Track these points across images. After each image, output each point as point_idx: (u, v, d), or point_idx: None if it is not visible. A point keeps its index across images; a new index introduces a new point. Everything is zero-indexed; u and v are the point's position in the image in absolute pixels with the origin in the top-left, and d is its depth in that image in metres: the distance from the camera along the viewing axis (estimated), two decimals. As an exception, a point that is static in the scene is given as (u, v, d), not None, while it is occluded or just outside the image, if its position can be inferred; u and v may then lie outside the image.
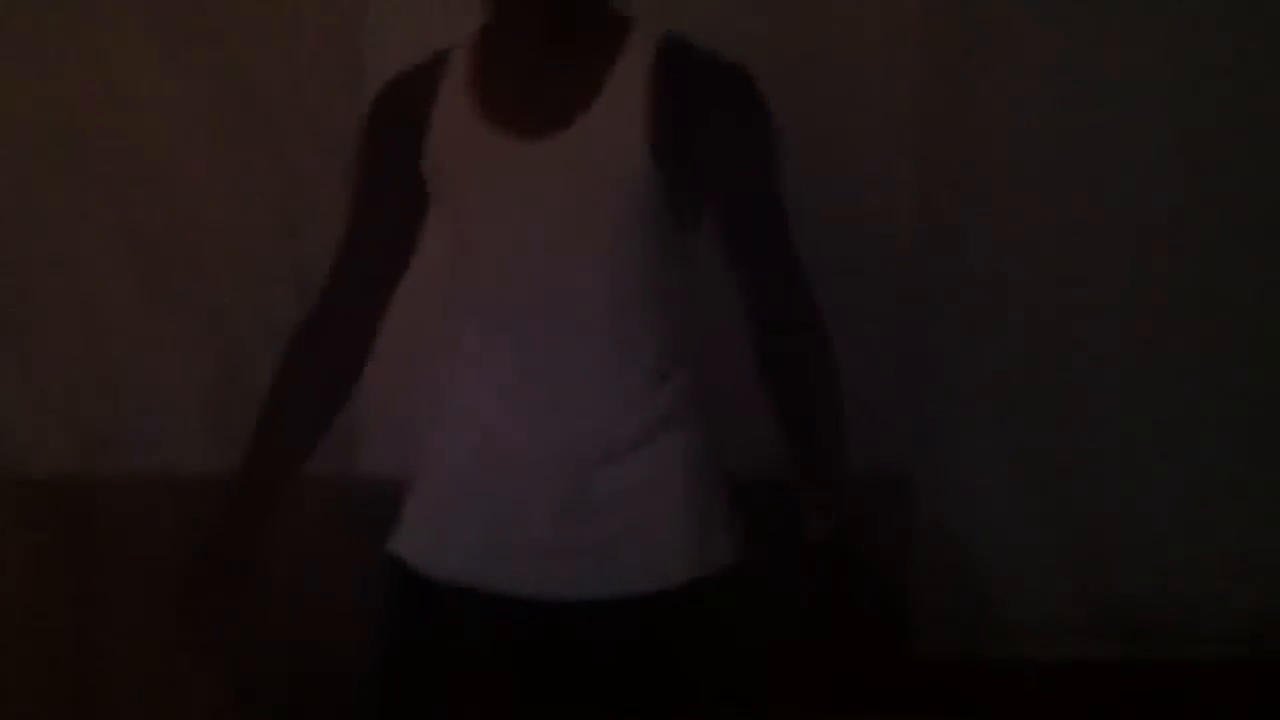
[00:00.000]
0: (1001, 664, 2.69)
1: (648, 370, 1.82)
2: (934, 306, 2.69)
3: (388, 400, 2.38)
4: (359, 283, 1.97)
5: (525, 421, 1.82)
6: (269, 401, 1.94)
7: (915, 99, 2.65)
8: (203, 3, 2.62)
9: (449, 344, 1.93)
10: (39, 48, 2.60)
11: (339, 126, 2.30)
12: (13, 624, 2.59)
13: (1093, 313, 2.70)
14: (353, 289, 1.97)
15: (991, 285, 2.69)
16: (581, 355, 1.81)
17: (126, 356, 2.64)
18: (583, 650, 1.80)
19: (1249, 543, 2.72)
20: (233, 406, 2.40)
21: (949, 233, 2.68)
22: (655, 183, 1.78)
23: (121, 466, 2.64)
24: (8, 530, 2.61)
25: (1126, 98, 2.67)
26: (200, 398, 2.63)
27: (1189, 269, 2.70)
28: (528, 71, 1.83)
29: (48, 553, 2.62)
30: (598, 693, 1.79)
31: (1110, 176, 2.68)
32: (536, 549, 1.80)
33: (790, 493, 1.86)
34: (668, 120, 1.79)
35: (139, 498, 2.61)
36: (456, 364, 1.90)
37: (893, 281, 2.65)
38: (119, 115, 2.61)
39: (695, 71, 1.83)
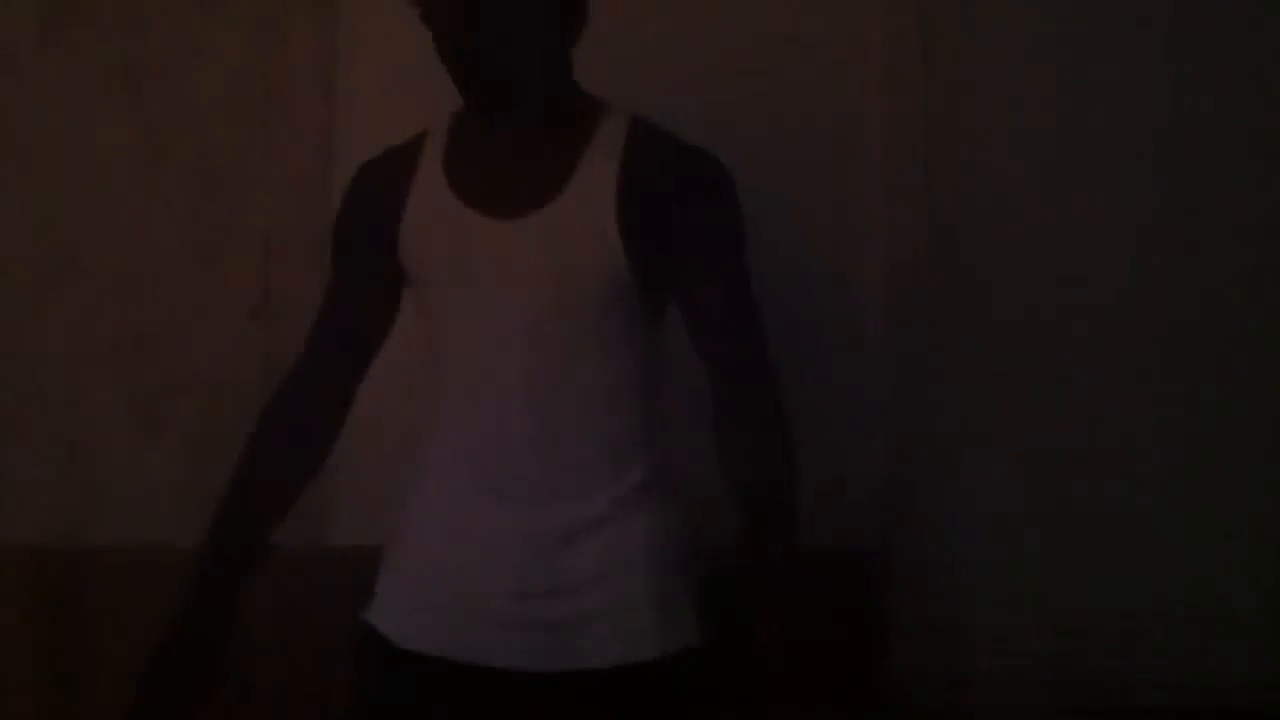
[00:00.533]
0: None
1: (616, 452, 1.86)
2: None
3: (361, 473, 2.41)
4: (331, 360, 1.99)
5: (493, 499, 1.85)
6: (236, 474, 1.95)
7: (914, 102, 2.67)
8: (183, 119, 2.69)
9: (422, 420, 1.96)
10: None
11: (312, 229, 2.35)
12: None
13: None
14: (325, 366, 1.99)
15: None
16: (549, 436, 1.84)
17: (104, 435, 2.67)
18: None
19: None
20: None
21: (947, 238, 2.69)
22: (625, 264, 1.82)
23: (98, 539, 2.65)
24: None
25: (1124, 94, 2.69)
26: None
27: (1186, 269, 2.70)
28: (501, 153, 1.87)
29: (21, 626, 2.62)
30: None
31: (1108, 176, 2.69)
32: (502, 622, 1.83)
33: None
34: (637, 203, 1.83)
35: (115, 571, 2.62)
36: (427, 440, 1.93)
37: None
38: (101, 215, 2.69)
39: (663, 155, 1.88)
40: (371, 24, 2.64)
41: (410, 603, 1.89)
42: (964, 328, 2.69)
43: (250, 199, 2.66)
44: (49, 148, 2.72)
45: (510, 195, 1.84)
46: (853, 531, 2.61)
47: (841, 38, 2.68)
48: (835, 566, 2.51)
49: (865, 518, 2.64)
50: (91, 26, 2.71)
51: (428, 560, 1.88)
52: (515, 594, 1.83)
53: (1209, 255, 2.69)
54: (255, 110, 2.69)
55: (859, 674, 2.59)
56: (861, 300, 2.66)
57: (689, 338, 1.91)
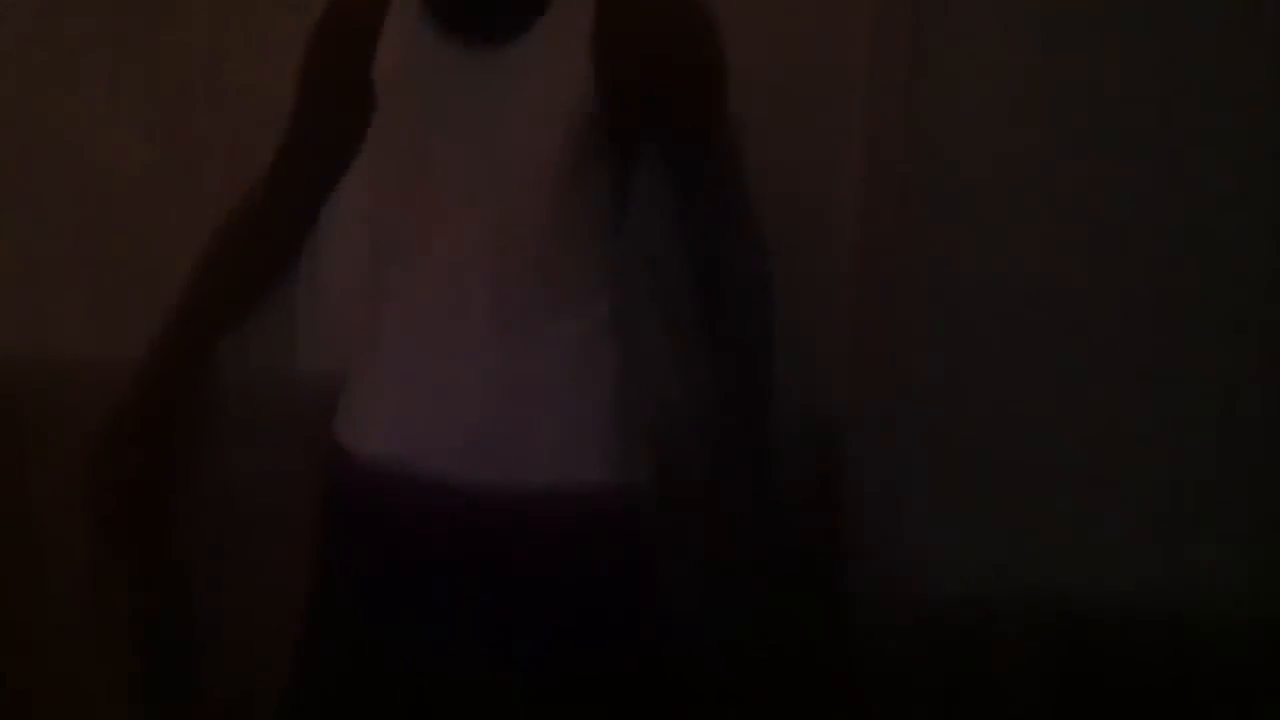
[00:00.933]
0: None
1: (576, 288, 1.86)
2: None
3: (329, 300, 2.40)
4: (294, 185, 2.01)
5: (452, 326, 1.85)
6: (191, 279, 1.98)
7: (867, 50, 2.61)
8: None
9: (389, 245, 1.94)
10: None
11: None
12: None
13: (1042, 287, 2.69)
14: (287, 191, 2.00)
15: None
16: (508, 269, 1.83)
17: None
18: (502, 539, 1.84)
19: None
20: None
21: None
22: (595, 97, 1.79)
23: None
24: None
25: (1093, 50, 2.64)
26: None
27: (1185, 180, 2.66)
28: None
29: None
30: (513, 583, 1.84)
31: (1073, 141, 2.65)
32: (463, 434, 1.84)
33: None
34: (613, 39, 1.79)
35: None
36: (393, 262, 1.92)
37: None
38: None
39: None
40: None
41: (369, 410, 1.91)
42: (941, 237, 2.67)
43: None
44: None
45: (487, 24, 1.81)
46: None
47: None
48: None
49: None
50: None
51: (390, 373, 1.89)
52: (476, 405, 1.84)
53: (1206, 169, 2.65)
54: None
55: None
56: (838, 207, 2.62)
57: (665, 188, 1.89)
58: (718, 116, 1.89)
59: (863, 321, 2.65)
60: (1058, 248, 2.66)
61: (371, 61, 1.88)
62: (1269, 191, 2.65)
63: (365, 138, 1.96)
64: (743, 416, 1.94)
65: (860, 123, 2.60)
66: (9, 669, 2.68)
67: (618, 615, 1.87)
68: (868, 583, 2.67)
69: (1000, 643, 2.73)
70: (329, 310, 2.49)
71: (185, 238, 2.03)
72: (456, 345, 1.84)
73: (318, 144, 1.99)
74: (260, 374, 2.43)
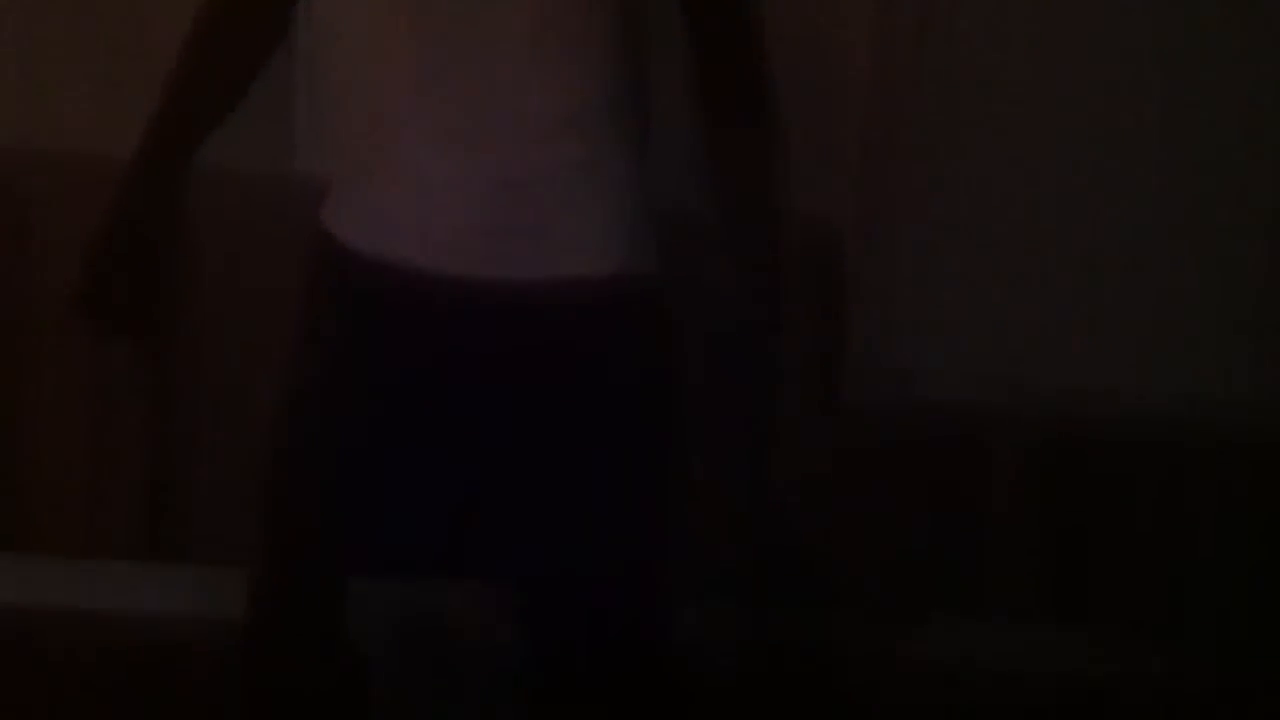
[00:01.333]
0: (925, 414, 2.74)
1: (594, 56, 1.78)
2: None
3: (324, 100, 2.36)
4: None
5: (461, 96, 1.75)
6: (176, 66, 1.90)
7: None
8: None
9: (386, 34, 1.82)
10: None
11: None
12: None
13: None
14: None
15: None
16: (520, 33, 1.74)
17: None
18: (505, 330, 1.77)
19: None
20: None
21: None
22: None
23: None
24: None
25: None
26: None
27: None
28: None
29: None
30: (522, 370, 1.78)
31: None
32: (466, 227, 1.75)
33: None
34: None
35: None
36: (388, 45, 1.79)
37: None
38: None
39: None
40: None
41: (363, 203, 1.81)
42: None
43: None
44: None
45: None
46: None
47: None
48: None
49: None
50: None
51: (389, 162, 1.79)
52: (481, 197, 1.75)
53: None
54: None
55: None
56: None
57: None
58: None
59: (864, 133, 2.64)
60: (1058, 56, 2.63)
61: None
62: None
63: None
64: (753, 217, 1.89)
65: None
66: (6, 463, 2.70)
67: (631, 397, 1.81)
68: (865, 389, 2.69)
69: (990, 451, 2.75)
70: (327, 112, 2.46)
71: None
72: (464, 130, 1.74)
73: None
74: (258, 177, 2.42)
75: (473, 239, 1.74)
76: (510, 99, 1.74)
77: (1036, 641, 2.70)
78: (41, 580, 2.58)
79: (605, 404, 1.79)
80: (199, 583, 2.55)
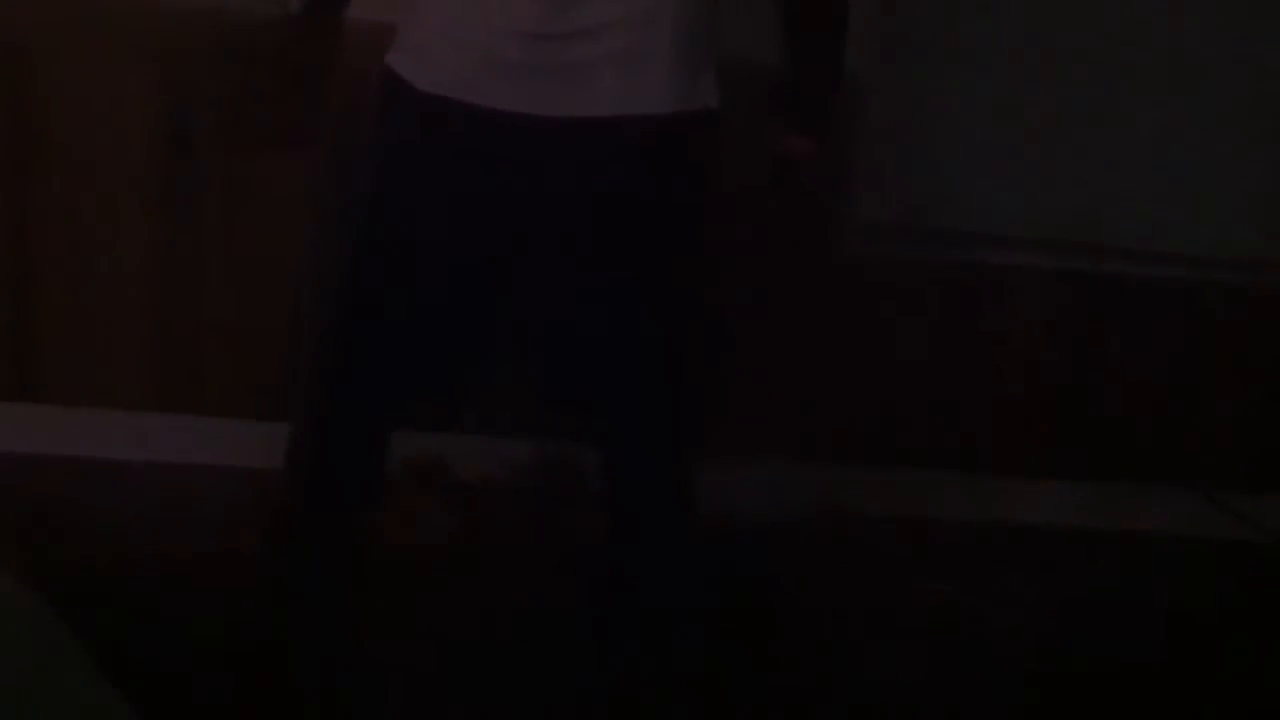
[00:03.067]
0: (940, 268, 2.72)
1: None
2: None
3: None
4: None
5: None
6: None
7: None
8: None
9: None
10: None
11: None
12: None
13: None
14: None
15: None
16: None
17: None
18: (561, 168, 1.79)
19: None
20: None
21: None
22: None
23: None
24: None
25: None
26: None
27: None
28: None
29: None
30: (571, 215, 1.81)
31: None
32: (518, 64, 1.75)
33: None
34: None
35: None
36: None
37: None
38: None
39: None
40: None
41: (427, 45, 1.82)
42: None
43: None
44: None
45: None
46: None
47: None
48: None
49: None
50: None
51: (448, 6, 1.80)
52: (532, 35, 1.74)
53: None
54: None
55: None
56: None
57: None
58: None
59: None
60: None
61: None
62: None
63: None
64: (823, 79, 1.92)
65: None
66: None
67: (679, 226, 1.86)
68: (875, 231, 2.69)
69: (1006, 287, 2.75)
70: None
71: None
72: None
73: None
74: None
75: (521, 78, 1.75)
76: None
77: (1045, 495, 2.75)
78: (53, 430, 2.59)
79: (657, 230, 1.83)
80: (208, 433, 2.60)
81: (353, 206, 1.89)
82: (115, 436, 2.64)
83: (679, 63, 1.78)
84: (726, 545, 2.33)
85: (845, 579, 2.48)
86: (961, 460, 2.77)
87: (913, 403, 2.76)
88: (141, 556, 2.33)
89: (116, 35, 2.53)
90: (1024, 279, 2.74)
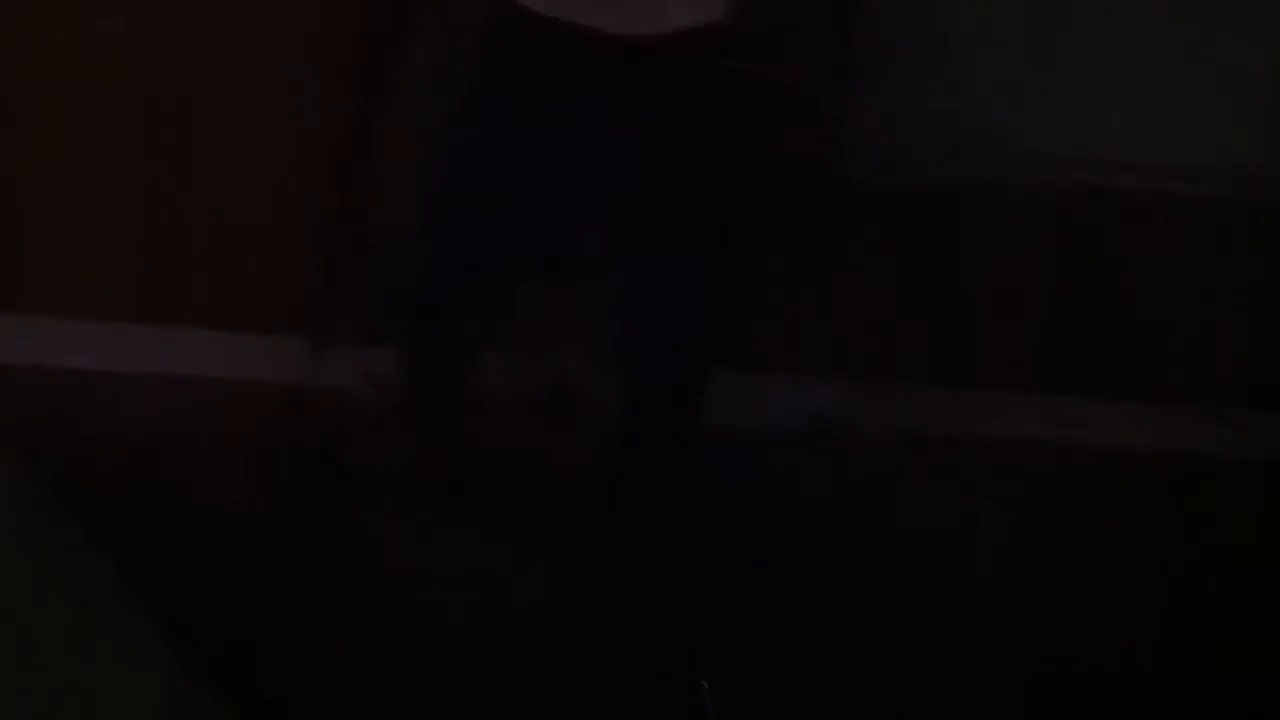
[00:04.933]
0: (941, 187, 2.69)
1: None
2: None
3: None
4: None
5: None
6: None
7: None
8: None
9: None
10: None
11: None
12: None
13: None
14: None
15: None
16: None
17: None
18: (641, 84, 2.11)
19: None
20: None
21: None
22: None
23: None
24: None
25: None
26: None
27: None
28: None
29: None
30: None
31: None
32: None
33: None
34: None
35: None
36: None
37: None
38: None
39: None
40: None
41: None
42: None
43: None
44: None
45: None
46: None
47: None
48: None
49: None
50: None
51: None
52: None
53: None
54: None
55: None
56: None
57: None
58: None
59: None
60: None
61: None
62: None
63: None
64: None
65: None
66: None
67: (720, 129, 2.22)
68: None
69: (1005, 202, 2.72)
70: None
71: None
72: None
73: None
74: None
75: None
76: None
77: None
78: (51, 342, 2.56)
79: (704, 134, 2.19)
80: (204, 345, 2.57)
81: (466, 117, 2.22)
82: (95, 347, 2.58)
83: None
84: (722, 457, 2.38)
85: (837, 492, 2.50)
86: (960, 377, 2.75)
87: (912, 319, 2.73)
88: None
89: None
90: (1023, 194, 2.70)
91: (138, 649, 1.28)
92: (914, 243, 2.68)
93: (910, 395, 2.70)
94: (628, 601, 2.19)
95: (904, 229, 2.68)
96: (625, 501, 2.32)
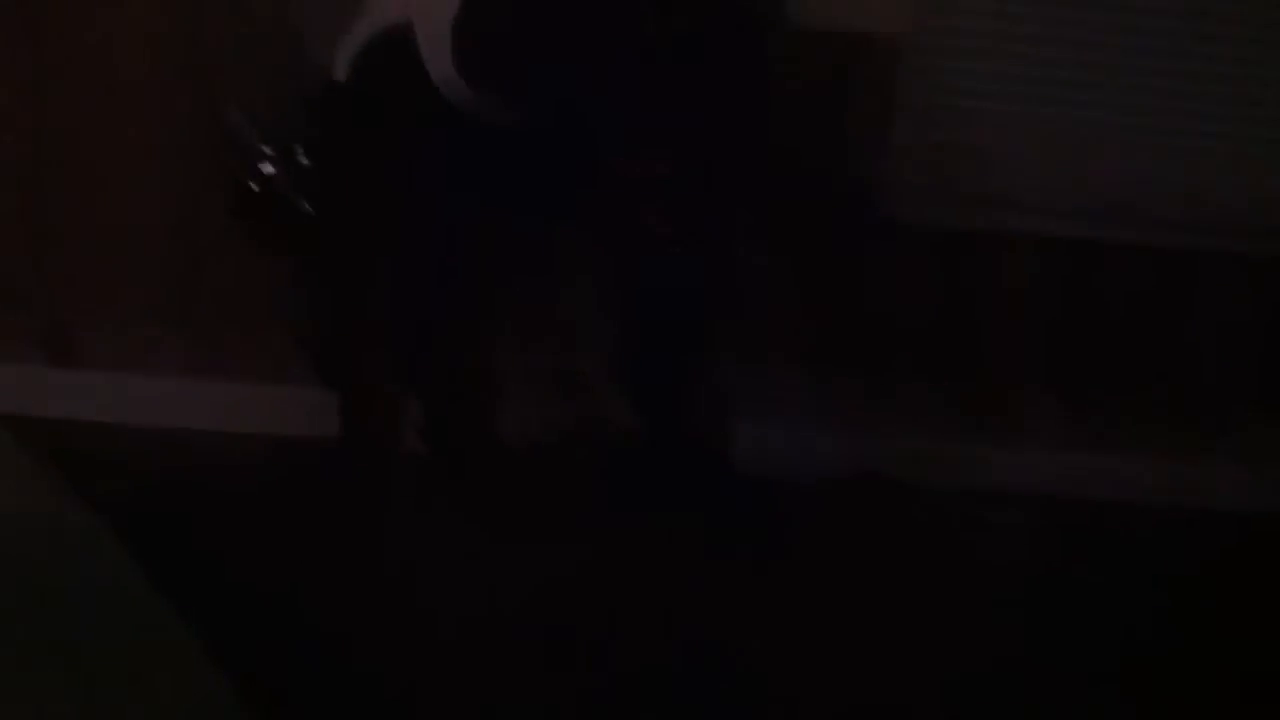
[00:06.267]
0: (982, 236, 2.71)
1: None
2: None
3: None
4: None
5: None
6: None
7: None
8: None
9: None
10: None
11: None
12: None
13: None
14: None
15: None
16: None
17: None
18: None
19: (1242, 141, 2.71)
20: None
21: None
22: None
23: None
24: None
25: None
26: None
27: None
28: None
29: None
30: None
31: None
32: None
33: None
34: None
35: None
36: None
37: None
38: None
39: None
40: None
41: None
42: None
43: None
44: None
45: None
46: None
47: None
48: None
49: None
50: None
51: None
52: None
53: None
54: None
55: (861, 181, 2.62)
56: None
57: None
58: None
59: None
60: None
61: None
62: None
63: None
64: None
65: None
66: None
67: None
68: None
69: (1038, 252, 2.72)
70: None
71: None
72: None
73: None
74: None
75: None
76: None
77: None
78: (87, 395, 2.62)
79: None
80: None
81: None
82: (144, 401, 2.64)
83: None
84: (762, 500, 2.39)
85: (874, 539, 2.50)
86: (991, 426, 2.77)
87: (943, 366, 2.75)
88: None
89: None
90: (1057, 245, 2.71)
91: (168, 634, 1.30)
92: (940, 290, 2.72)
93: (950, 447, 2.73)
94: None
95: (948, 276, 2.72)
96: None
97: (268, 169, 2.20)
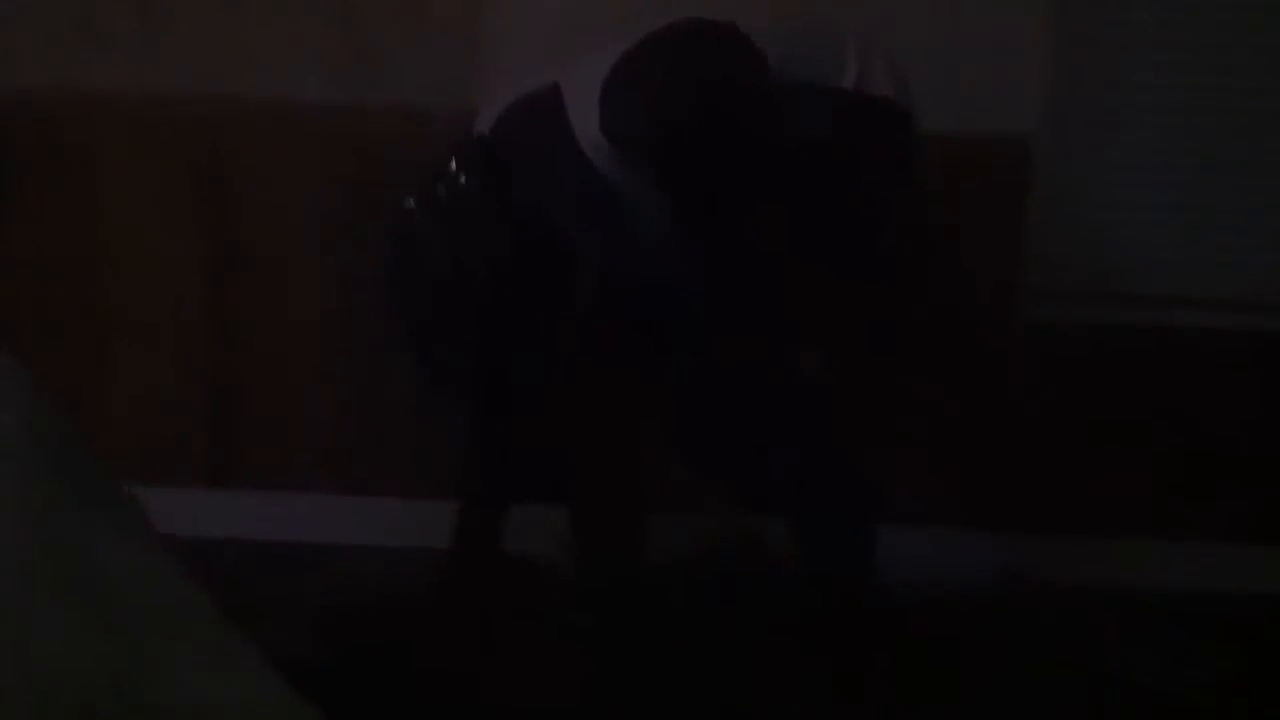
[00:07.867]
0: (1117, 331, 2.68)
1: None
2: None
3: None
4: None
5: None
6: None
7: None
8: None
9: None
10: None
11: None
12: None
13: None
14: None
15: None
16: None
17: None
18: None
19: None
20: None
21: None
22: None
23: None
24: None
25: None
26: None
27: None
28: None
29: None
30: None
31: None
32: None
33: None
34: None
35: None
36: None
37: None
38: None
39: None
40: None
41: None
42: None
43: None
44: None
45: None
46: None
47: None
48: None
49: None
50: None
51: None
52: None
53: None
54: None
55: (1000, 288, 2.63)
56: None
57: None
58: None
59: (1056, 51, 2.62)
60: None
61: None
62: None
63: None
64: None
65: None
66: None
67: None
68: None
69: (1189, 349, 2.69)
70: None
71: None
72: None
73: None
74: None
75: None
76: None
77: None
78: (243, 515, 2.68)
79: None
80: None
81: None
82: (301, 519, 2.72)
83: None
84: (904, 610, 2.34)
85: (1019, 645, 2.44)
86: (1146, 526, 2.71)
87: (1096, 468, 2.71)
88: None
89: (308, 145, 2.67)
90: (1209, 340, 2.68)
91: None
92: (1090, 391, 2.68)
93: (1089, 547, 2.68)
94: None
95: (1078, 375, 2.68)
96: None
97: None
